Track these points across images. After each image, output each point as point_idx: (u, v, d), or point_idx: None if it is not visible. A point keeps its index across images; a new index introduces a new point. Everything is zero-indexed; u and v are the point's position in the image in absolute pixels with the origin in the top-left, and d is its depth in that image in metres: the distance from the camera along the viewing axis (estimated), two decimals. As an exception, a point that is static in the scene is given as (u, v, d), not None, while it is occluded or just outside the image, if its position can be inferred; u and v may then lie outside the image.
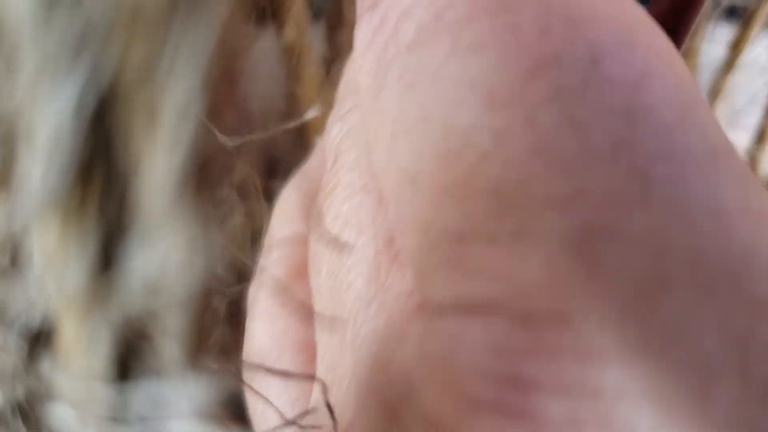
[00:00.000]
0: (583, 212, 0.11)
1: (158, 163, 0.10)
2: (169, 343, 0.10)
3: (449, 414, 0.12)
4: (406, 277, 0.16)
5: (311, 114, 0.35)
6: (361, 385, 0.14)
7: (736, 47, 0.42)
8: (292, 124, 0.28)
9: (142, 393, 0.11)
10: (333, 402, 0.14)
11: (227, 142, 0.30)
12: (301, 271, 0.23)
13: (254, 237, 0.45)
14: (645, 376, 0.10)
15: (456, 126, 0.13)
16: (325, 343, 0.19)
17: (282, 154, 0.52)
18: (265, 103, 0.42)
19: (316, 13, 0.41)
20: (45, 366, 0.11)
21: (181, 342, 0.11)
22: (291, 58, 0.37)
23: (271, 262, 0.19)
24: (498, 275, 0.12)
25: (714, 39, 0.42)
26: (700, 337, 0.11)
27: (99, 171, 0.10)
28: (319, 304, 0.20)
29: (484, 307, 0.12)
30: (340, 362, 0.16)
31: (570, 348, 0.11)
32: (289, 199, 0.26)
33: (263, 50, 0.38)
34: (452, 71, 0.13)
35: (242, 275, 0.45)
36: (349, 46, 0.40)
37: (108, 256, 0.10)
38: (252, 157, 0.43)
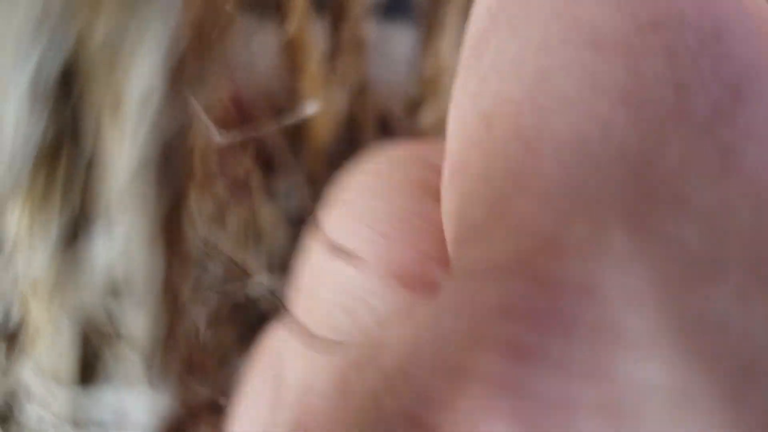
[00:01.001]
0: (656, 175, 0.10)
1: (122, 147, 0.09)
2: (131, 345, 0.10)
3: (443, 388, 0.11)
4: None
5: (311, 109, 0.35)
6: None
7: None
8: (291, 120, 0.27)
9: (103, 398, 0.10)
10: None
11: (223, 137, 0.29)
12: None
13: (254, 235, 0.45)
14: (675, 372, 0.09)
15: (549, 66, 0.12)
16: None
17: (282, 151, 0.51)
18: (264, 99, 0.41)
19: (320, 8, 0.40)
20: (21, 366, 0.10)
21: (145, 345, 0.10)
22: (292, 52, 0.36)
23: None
24: (537, 232, 0.11)
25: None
26: (744, 335, 0.10)
27: (63, 155, 0.09)
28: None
29: (507, 268, 0.11)
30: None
31: (589, 323, 0.10)
32: None
33: (263, 44, 0.37)
34: (561, 12, 0.13)
35: (241, 275, 0.44)
36: (352, 41, 0.40)
37: (72, 244, 0.10)
38: (251, 154, 0.42)
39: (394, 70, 0.62)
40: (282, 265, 0.44)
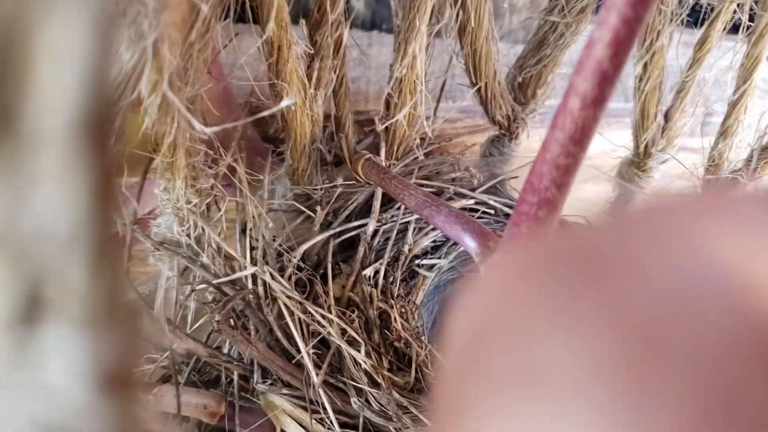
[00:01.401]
0: None
1: (48, 106, 0.10)
2: (66, 296, 0.11)
3: None
4: None
5: (286, 102, 0.37)
6: None
7: (700, 47, 0.44)
8: (267, 112, 0.29)
9: (43, 341, 0.11)
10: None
11: (204, 130, 0.31)
12: None
13: (240, 226, 0.47)
14: None
15: None
16: None
17: (266, 147, 0.53)
18: (246, 97, 0.43)
19: (301, 14, 0.42)
20: None
21: (79, 298, 0.11)
22: (272, 53, 0.38)
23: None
24: None
25: (681, 42, 0.44)
26: None
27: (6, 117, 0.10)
28: None
29: None
30: None
31: None
32: None
33: (246, 46, 0.39)
34: None
35: (228, 265, 0.47)
36: (330, 45, 0.42)
37: (15, 199, 0.10)
38: (237, 149, 0.44)
39: (378, 74, 0.64)
40: (265, 255, 0.47)
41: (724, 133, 0.47)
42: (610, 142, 0.48)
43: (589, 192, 0.56)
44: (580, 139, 0.26)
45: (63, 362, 0.11)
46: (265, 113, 0.29)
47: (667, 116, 0.48)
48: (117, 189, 0.12)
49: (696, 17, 0.43)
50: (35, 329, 0.11)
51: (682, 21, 0.41)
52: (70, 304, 0.11)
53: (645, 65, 0.43)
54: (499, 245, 0.33)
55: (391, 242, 0.50)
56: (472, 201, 0.53)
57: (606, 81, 0.25)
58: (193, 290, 0.45)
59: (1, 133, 0.10)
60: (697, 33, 0.43)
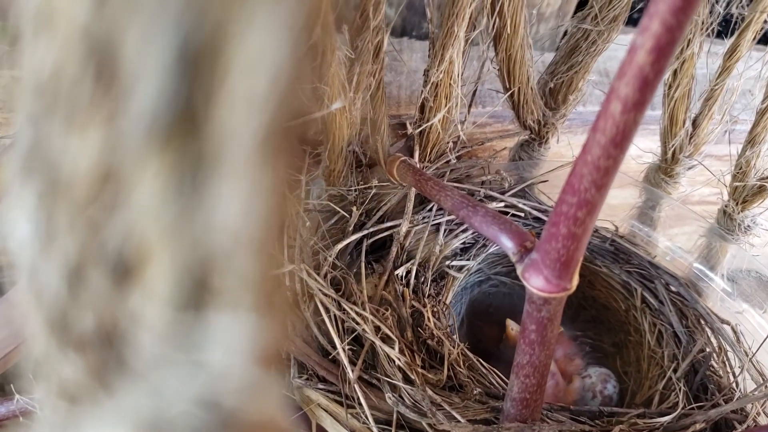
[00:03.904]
0: None
1: (237, 112, 0.11)
2: (232, 285, 0.12)
3: None
4: None
5: (336, 105, 0.38)
6: None
7: (729, 56, 0.45)
8: (317, 114, 0.31)
9: (208, 325, 0.12)
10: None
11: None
12: None
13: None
14: None
15: None
16: None
17: (305, 148, 0.55)
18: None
19: (342, 19, 0.44)
20: (133, 295, 0.12)
21: (248, 286, 0.12)
22: (316, 57, 0.40)
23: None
24: None
25: (710, 52, 0.45)
26: None
27: (193, 118, 0.11)
28: None
29: None
30: None
31: None
32: None
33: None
34: None
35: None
36: (370, 50, 0.43)
37: (193, 194, 0.11)
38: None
39: (409, 79, 0.66)
40: (302, 253, 0.48)
41: (751, 141, 0.47)
42: (638, 147, 0.49)
43: (615, 197, 0.57)
44: (621, 142, 0.27)
45: (225, 344, 0.12)
46: (315, 115, 0.30)
47: (695, 123, 0.49)
48: (288, 192, 0.13)
49: (726, 28, 0.44)
50: (201, 313, 0.12)
51: (712, 30, 0.42)
52: (236, 292, 0.12)
53: (675, 72, 0.45)
54: (536, 245, 0.34)
55: (422, 243, 0.51)
56: (501, 204, 0.54)
57: (647, 86, 0.26)
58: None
59: (186, 132, 0.11)
60: (727, 42, 0.44)
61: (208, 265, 0.12)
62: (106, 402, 0.12)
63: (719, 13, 0.42)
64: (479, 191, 0.53)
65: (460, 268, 0.54)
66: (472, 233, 0.55)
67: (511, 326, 0.59)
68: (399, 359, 0.42)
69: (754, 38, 0.43)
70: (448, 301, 0.53)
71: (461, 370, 0.45)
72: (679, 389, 0.51)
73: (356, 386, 0.41)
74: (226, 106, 0.11)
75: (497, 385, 0.45)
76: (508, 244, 0.36)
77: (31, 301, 0.12)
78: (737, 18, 0.43)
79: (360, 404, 0.41)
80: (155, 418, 0.11)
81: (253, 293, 0.13)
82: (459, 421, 0.40)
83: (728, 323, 0.53)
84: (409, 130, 0.49)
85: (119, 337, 0.12)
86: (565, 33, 0.47)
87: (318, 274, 0.46)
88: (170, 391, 0.12)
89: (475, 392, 0.43)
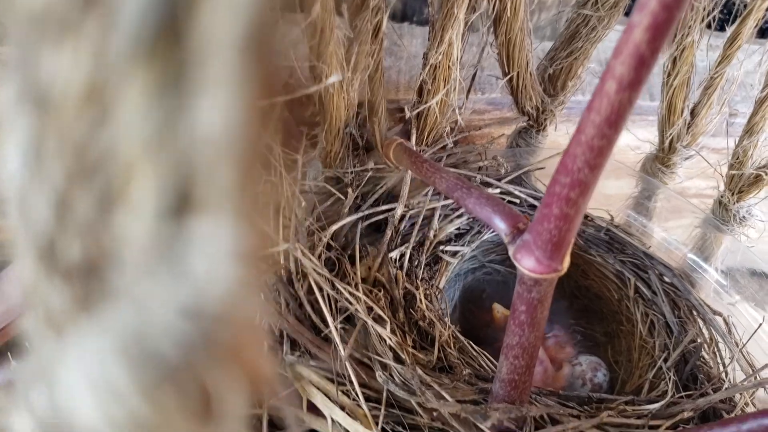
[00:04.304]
0: None
1: (218, 19, 0.11)
2: (213, 195, 0.12)
3: None
4: None
5: (332, 79, 0.38)
6: None
7: (730, 44, 0.45)
8: (312, 89, 0.31)
9: (186, 236, 0.12)
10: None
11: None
12: None
13: (274, 205, 0.49)
14: None
15: None
16: None
17: (301, 129, 0.55)
18: (288, 75, 0.45)
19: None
20: (118, 213, 0.12)
21: (229, 195, 0.12)
22: (314, 36, 0.40)
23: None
24: None
25: (709, 45, 0.45)
26: None
27: (173, 33, 0.11)
28: None
29: None
30: None
31: None
32: None
33: (289, 27, 0.40)
34: None
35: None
36: (369, 31, 0.43)
37: (176, 107, 0.11)
38: (275, 129, 0.46)
39: (408, 64, 0.66)
40: (297, 233, 0.48)
41: (749, 130, 0.48)
42: (636, 136, 0.49)
43: (611, 187, 0.57)
44: (615, 121, 0.27)
45: (207, 252, 0.12)
46: (310, 90, 0.30)
47: (693, 112, 0.49)
48: (272, 103, 0.13)
49: (727, 18, 0.44)
50: (183, 223, 0.12)
51: (713, 18, 0.42)
52: (217, 202, 0.12)
53: (674, 60, 0.45)
54: (529, 226, 0.34)
55: (417, 227, 0.51)
56: (497, 190, 0.54)
57: (643, 65, 0.26)
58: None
59: (169, 45, 0.11)
60: (728, 31, 0.44)
61: (191, 176, 0.12)
62: (90, 325, 0.12)
63: (720, 2, 0.42)
64: (475, 177, 0.53)
65: (454, 254, 0.54)
66: (467, 219, 0.56)
67: (498, 309, 0.59)
68: (390, 338, 0.43)
69: (756, 25, 0.43)
70: (441, 286, 0.53)
71: (451, 351, 0.45)
72: (669, 378, 0.52)
73: (347, 363, 0.42)
74: (207, 13, 0.11)
75: (487, 367, 0.46)
76: (500, 226, 0.36)
77: (20, 231, 0.13)
78: (739, 5, 0.43)
79: (351, 381, 0.42)
80: (139, 333, 0.11)
81: (234, 202, 0.13)
82: (447, 400, 0.40)
83: (720, 314, 0.54)
84: (407, 114, 0.50)
85: (105, 261, 0.12)
86: (567, 21, 0.47)
87: (312, 254, 0.46)
88: (153, 303, 0.12)
89: (464, 373, 0.43)
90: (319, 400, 0.43)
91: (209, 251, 0.12)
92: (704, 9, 0.41)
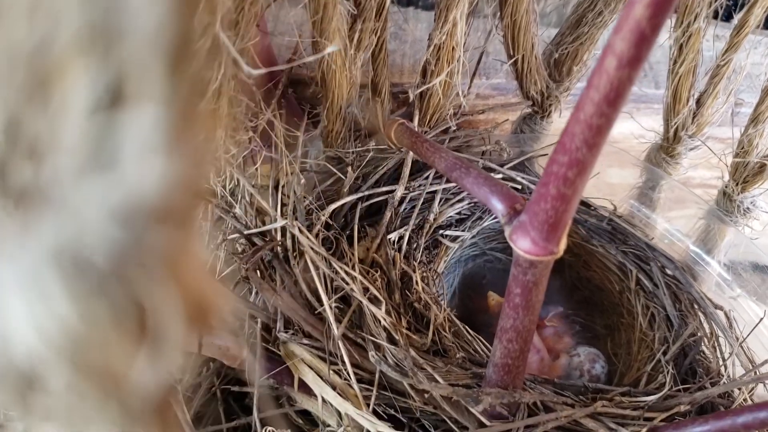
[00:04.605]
0: None
1: None
2: (144, 89, 0.12)
3: None
4: None
5: (330, 49, 0.38)
6: None
7: (737, 32, 0.44)
8: (311, 58, 0.31)
9: (118, 132, 0.12)
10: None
11: (251, 72, 0.32)
12: None
13: (273, 181, 0.48)
14: None
15: None
16: None
17: (304, 107, 0.55)
18: (290, 53, 0.45)
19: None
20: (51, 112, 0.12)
21: (157, 92, 0.12)
22: (318, 11, 0.39)
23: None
24: None
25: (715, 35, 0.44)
26: None
27: None
28: None
29: None
30: None
31: None
32: None
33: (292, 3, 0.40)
34: None
35: (260, 219, 0.48)
36: (372, 7, 0.43)
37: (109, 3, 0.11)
38: (277, 106, 0.46)
39: (413, 48, 0.65)
40: (296, 210, 0.48)
41: (755, 119, 0.47)
42: (640, 125, 0.49)
43: (615, 175, 0.56)
44: (615, 99, 0.27)
45: (136, 144, 0.12)
46: (309, 59, 0.30)
47: (699, 102, 0.48)
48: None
49: (734, 7, 0.43)
50: (115, 118, 0.12)
51: (721, 6, 0.41)
52: (147, 94, 0.12)
53: (681, 47, 0.44)
54: (525, 207, 0.34)
55: (417, 210, 0.51)
56: (499, 176, 0.53)
57: (643, 41, 0.25)
58: (224, 240, 0.46)
59: None
60: (735, 19, 0.43)
61: (122, 70, 0.12)
62: (23, 234, 0.11)
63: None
64: (477, 161, 0.52)
65: (454, 238, 0.54)
66: (469, 204, 0.55)
67: (492, 297, 0.59)
68: (385, 319, 0.42)
69: (764, 12, 0.42)
70: (439, 270, 0.52)
71: (446, 335, 0.45)
72: (667, 372, 0.51)
73: (340, 342, 0.41)
74: None
75: (482, 352, 0.45)
76: (497, 206, 0.35)
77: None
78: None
79: (343, 361, 0.41)
80: (72, 241, 0.11)
81: (165, 93, 0.12)
82: (439, 383, 0.40)
83: (721, 308, 0.53)
84: (411, 97, 0.49)
85: (39, 170, 0.12)
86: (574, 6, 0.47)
87: (310, 233, 0.46)
88: (86, 210, 0.11)
89: (457, 356, 0.43)
90: (311, 379, 0.42)
91: (138, 144, 0.12)
92: (713, -5, 0.40)
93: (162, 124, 0.12)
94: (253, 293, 0.46)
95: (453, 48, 0.44)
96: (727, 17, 0.43)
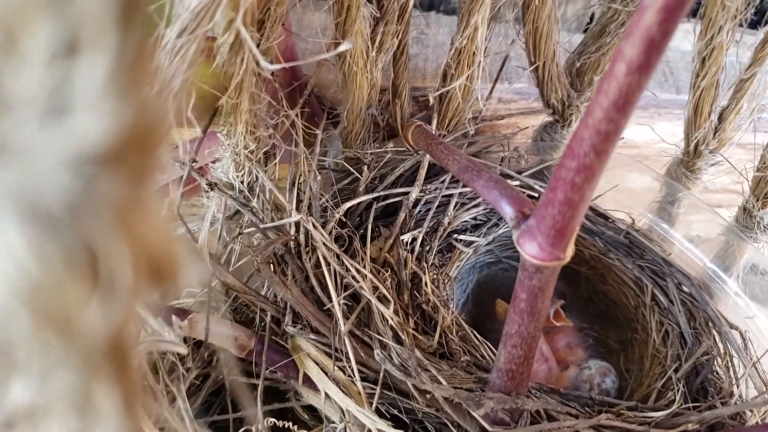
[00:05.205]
0: None
1: None
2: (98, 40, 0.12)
3: None
4: None
5: (344, 47, 0.38)
6: None
7: (762, 47, 0.43)
8: (329, 54, 0.31)
9: (71, 79, 0.12)
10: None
11: (269, 67, 0.33)
12: None
13: (291, 178, 0.49)
14: None
15: None
16: None
17: (324, 108, 0.55)
18: (315, 55, 0.45)
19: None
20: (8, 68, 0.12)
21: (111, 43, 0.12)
22: (341, 13, 0.40)
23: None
24: None
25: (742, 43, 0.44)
26: None
27: None
28: None
29: None
30: None
31: None
32: None
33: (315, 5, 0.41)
34: None
35: (276, 214, 0.49)
36: (394, 9, 0.43)
37: None
38: (299, 104, 0.46)
39: (435, 53, 0.65)
40: (311, 207, 0.48)
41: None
42: (657, 135, 0.48)
43: (634, 180, 0.55)
44: (623, 105, 0.27)
45: (88, 90, 0.12)
46: (325, 55, 0.30)
47: (721, 117, 0.48)
48: None
49: (759, 18, 0.42)
50: (70, 67, 0.12)
51: (745, 20, 0.41)
52: (100, 47, 0.12)
53: (703, 60, 0.43)
54: (533, 211, 0.34)
55: (431, 213, 0.51)
56: (516, 183, 0.53)
57: (653, 48, 0.25)
58: (240, 233, 0.47)
59: None
60: (760, 32, 0.43)
61: (76, 22, 0.12)
62: None
63: (754, 3, 0.40)
64: (495, 168, 0.52)
65: (468, 244, 0.54)
66: (484, 210, 0.55)
67: (500, 305, 0.59)
68: (392, 318, 0.43)
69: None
70: (452, 274, 0.52)
71: (453, 338, 0.45)
72: (678, 389, 0.50)
73: (346, 339, 0.42)
74: None
75: (488, 357, 0.45)
76: (507, 209, 0.36)
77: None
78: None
79: (348, 358, 0.42)
80: (30, 189, 0.12)
81: (116, 40, 0.13)
82: (442, 384, 0.40)
83: (737, 328, 0.52)
84: (431, 100, 0.49)
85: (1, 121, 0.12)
86: (593, 16, 0.46)
87: (324, 230, 0.47)
88: (42, 156, 0.12)
89: (462, 359, 0.43)
90: (315, 374, 0.43)
91: (90, 92, 0.12)
92: (736, 9, 0.40)
93: (112, 73, 0.12)
94: (265, 286, 0.47)
95: (474, 52, 0.44)
96: (753, 27, 0.43)
